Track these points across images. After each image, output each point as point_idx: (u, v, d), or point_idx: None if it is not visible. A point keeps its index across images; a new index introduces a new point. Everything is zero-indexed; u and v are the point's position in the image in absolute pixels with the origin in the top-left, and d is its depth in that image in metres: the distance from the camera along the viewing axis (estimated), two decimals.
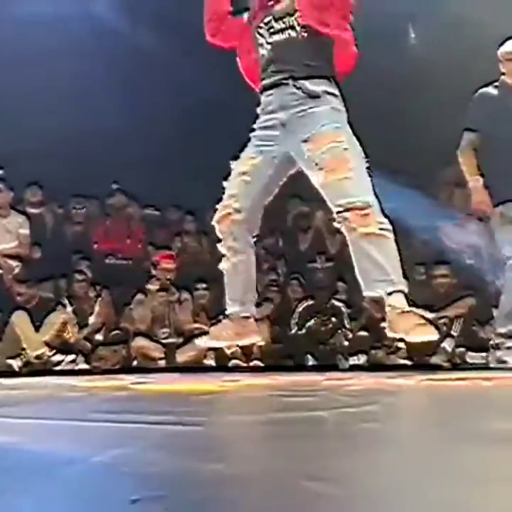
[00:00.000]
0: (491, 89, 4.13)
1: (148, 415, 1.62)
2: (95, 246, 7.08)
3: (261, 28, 3.32)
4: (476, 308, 5.74)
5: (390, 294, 3.01)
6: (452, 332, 5.59)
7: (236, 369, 5.46)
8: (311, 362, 5.74)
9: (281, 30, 3.26)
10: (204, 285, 6.22)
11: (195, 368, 5.36)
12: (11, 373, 5.21)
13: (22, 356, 5.70)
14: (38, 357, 5.68)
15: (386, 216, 3.09)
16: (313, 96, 3.16)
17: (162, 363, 5.73)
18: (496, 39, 4.28)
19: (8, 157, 6.58)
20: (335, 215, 3.11)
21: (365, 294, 3.14)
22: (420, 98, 7.65)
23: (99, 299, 6.19)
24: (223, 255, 3.38)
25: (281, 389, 2.56)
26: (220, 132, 7.98)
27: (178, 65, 7.74)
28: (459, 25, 7.10)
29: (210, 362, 5.79)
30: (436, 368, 4.38)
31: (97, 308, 6.15)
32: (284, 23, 3.26)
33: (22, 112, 7.11)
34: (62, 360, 5.72)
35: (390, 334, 3.10)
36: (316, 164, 3.11)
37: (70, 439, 1.38)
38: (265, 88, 3.29)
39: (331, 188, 3.09)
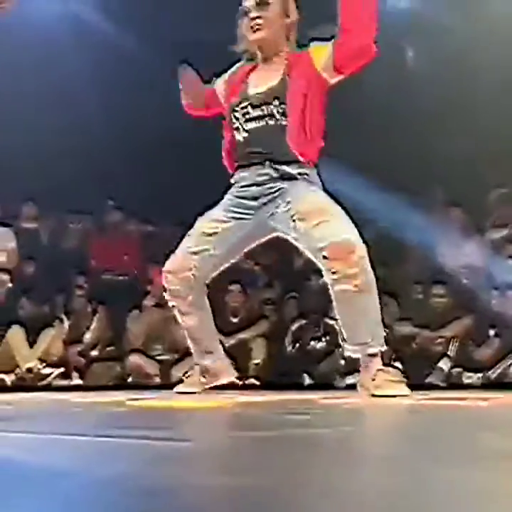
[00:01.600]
0: None
1: (146, 431, 1.61)
2: (92, 262, 7.07)
3: (236, 111, 3.21)
4: (473, 328, 5.74)
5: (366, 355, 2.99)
6: (448, 352, 5.58)
7: (232, 386, 5.44)
8: (307, 380, 5.71)
9: (259, 118, 3.16)
10: None
11: None
12: (5, 388, 5.18)
13: (16, 372, 5.66)
14: (29, 370, 5.64)
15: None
16: (289, 178, 3.11)
17: (157, 379, 5.70)
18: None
19: (2, 173, 6.59)
20: (318, 263, 3.04)
21: (345, 353, 3.11)
22: (417, 116, 7.68)
23: (97, 314, 6.17)
24: (181, 312, 3.38)
25: (278, 407, 2.55)
26: (214, 148, 8.02)
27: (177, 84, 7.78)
28: (459, 48, 7.16)
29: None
30: (433, 387, 4.37)
31: (94, 324, 6.12)
32: (262, 110, 3.15)
33: (14, 127, 7.11)
34: (51, 373, 5.67)
35: (359, 390, 3.06)
36: (295, 218, 3.05)
37: (67, 453, 1.37)
38: (240, 166, 3.23)
39: (310, 234, 3.01)
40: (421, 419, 2.30)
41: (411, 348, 5.71)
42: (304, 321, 6.04)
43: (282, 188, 3.10)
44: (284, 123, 3.10)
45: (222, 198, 3.31)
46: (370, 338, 2.95)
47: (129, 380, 5.82)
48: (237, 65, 3.39)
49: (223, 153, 3.35)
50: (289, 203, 3.07)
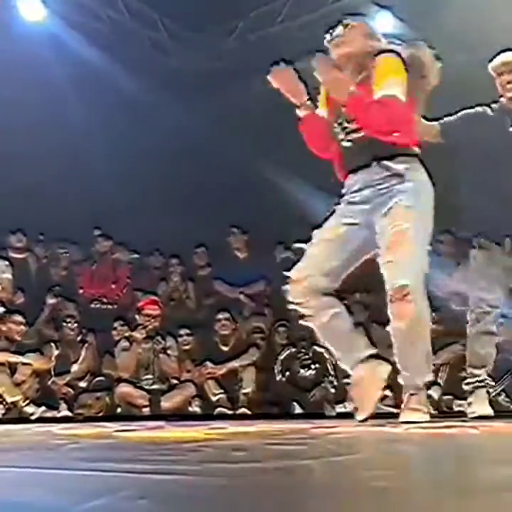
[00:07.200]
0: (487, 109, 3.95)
1: (133, 464, 1.58)
2: (81, 291, 7.05)
3: (335, 127, 3.34)
4: (463, 355, 5.71)
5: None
6: (438, 379, 5.56)
7: (222, 417, 5.39)
8: (297, 410, 5.67)
9: (356, 130, 3.27)
10: (188, 331, 6.18)
11: (181, 415, 5.28)
12: None
13: (3, 403, 5.59)
14: (13, 404, 5.57)
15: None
16: (397, 174, 3.20)
17: (146, 410, 5.64)
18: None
19: None
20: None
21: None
22: None
23: (86, 344, 6.13)
24: (308, 316, 3.33)
25: (268, 437, 2.52)
26: (203, 176, 8.08)
27: (161, 110, 7.83)
28: None
29: (196, 409, 5.71)
30: None
31: (83, 354, 6.08)
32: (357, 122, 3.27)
33: (2, 158, 7.11)
34: (32, 413, 5.59)
35: None
36: (381, 241, 3.20)
37: (51, 488, 1.34)
38: (350, 172, 3.33)
39: (384, 270, 3.19)
40: (411, 448, 2.28)
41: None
42: (290, 350, 6.02)
43: (392, 186, 3.19)
44: None
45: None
46: (418, 371, 3.18)
47: (118, 410, 5.76)
48: None
49: (334, 163, 3.44)
50: (383, 216, 3.19)
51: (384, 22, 8.21)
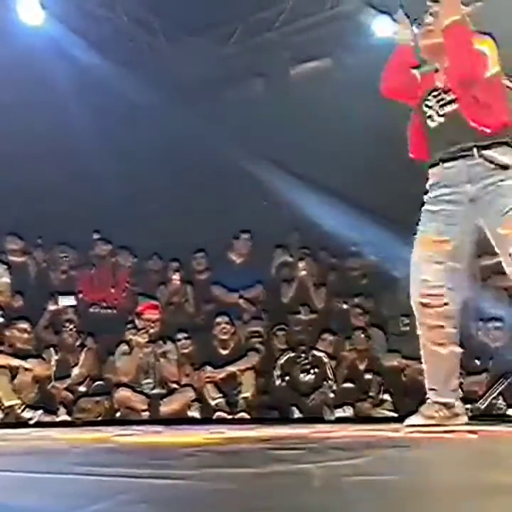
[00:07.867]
0: None
1: (132, 468, 1.58)
2: (80, 295, 7.03)
3: (429, 100, 3.12)
4: (461, 359, 5.71)
5: None
6: None
7: (221, 421, 5.38)
8: (296, 414, 5.66)
9: (454, 101, 3.04)
10: (185, 335, 6.17)
11: (179, 420, 5.27)
12: None
13: (2, 408, 5.57)
14: (10, 407, 5.55)
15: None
16: (504, 167, 2.95)
17: (145, 414, 5.63)
18: None
19: None
20: None
21: None
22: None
23: (85, 348, 6.12)
24: (434, 342, 3.21)
25: (268, 441, 2.52)
26: (202, 180, 8.09)
27: (160, 114, 7.84)
28: None
29: (195, 414, 5.70)
30: None
31: (82, 358, 6.07)
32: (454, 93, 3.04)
33: (2, 161, 7.09)
34: (30, 418, 5.56)
35: None
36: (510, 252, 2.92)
37: (51, 493, 1.35)
38: (443, 160, 3.06)
39: None
40: (411, 452, 2.28)
41: (400, 379, 5.69)
42: (289, 354, 6.01)
43: (501, 182, 2.95)
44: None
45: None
46: None
47: (117, 414, 5.74)
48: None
49: (410, 146, 3.23)
50: (502, 219, 2.93)
51: (382, 26, 8.22)
